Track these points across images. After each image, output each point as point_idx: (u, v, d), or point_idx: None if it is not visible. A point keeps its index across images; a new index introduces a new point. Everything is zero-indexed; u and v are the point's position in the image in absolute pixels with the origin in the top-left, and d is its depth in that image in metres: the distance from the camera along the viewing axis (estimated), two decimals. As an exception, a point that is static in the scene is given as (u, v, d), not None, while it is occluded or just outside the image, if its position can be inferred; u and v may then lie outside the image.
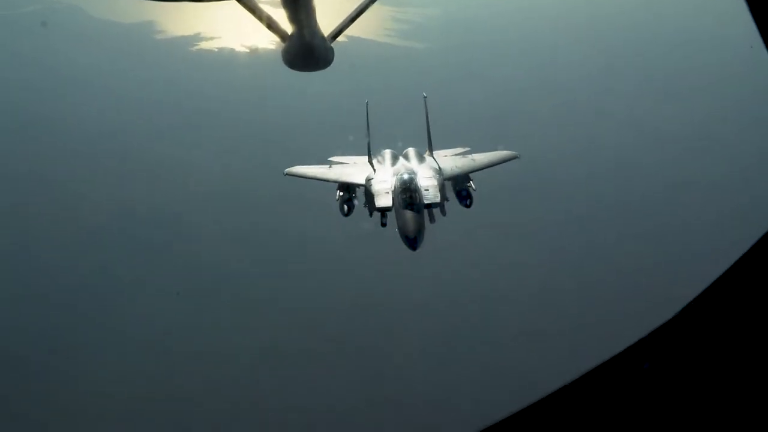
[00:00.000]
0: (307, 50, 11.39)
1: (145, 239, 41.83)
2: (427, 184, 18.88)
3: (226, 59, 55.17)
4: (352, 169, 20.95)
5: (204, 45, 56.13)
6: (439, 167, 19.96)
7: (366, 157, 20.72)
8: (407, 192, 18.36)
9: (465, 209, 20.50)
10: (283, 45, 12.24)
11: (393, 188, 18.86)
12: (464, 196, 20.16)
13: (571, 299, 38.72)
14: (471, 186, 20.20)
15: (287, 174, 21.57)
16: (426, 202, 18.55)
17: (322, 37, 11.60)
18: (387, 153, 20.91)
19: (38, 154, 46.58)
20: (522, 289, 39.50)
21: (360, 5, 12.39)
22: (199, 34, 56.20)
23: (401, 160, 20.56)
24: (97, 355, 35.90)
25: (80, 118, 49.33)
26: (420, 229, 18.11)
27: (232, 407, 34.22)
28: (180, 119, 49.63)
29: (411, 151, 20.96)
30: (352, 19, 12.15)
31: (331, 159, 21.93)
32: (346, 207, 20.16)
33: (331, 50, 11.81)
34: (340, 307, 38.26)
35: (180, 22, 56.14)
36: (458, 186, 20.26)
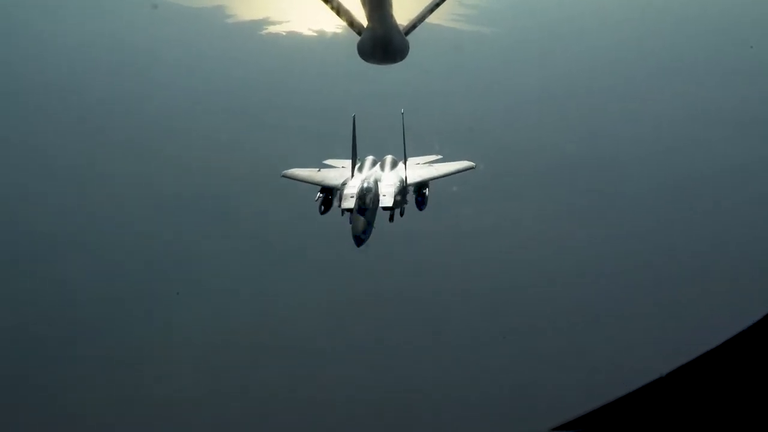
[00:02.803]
0: (383, 43, 11.48)
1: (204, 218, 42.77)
2: (386, 191, 22.17)
3: (294, 43, 55.73)
4: (335, 173, 23.87)
5: (272, 29, 56.74)
6: (405, 177, 22.93)
7: (356, 160, 23.50)
8: (361, 198, 21.44)
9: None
10: (358, 37, 12.38)
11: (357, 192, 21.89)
12: (419, 201, 23.35)
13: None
14: (425, 192, 23.31)
15: (284, 176, 24.47)
16: (381, 205, 21.68)
17: (398, 29, 11.68)
18: (368, 160, 24.01)
19: (110, 134, 47.82)
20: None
21: (435, -1, 12.38)
22: (268, 18, 56.83)
23: (377, 167, 23.68)
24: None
25: (151, 100, 50.44)
26: (365, 230, 21.13)
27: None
28: (248, 103, 50.38)
29: (387, 159, 24.16)
30: (428, 11, 12.19)
31: (324, 162, 24.78)
32: (323, 206, 23.06)
33: (407, 43, 11.90)
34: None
35: (250, 7, 56.86)
36: (416, 191, 23.25)
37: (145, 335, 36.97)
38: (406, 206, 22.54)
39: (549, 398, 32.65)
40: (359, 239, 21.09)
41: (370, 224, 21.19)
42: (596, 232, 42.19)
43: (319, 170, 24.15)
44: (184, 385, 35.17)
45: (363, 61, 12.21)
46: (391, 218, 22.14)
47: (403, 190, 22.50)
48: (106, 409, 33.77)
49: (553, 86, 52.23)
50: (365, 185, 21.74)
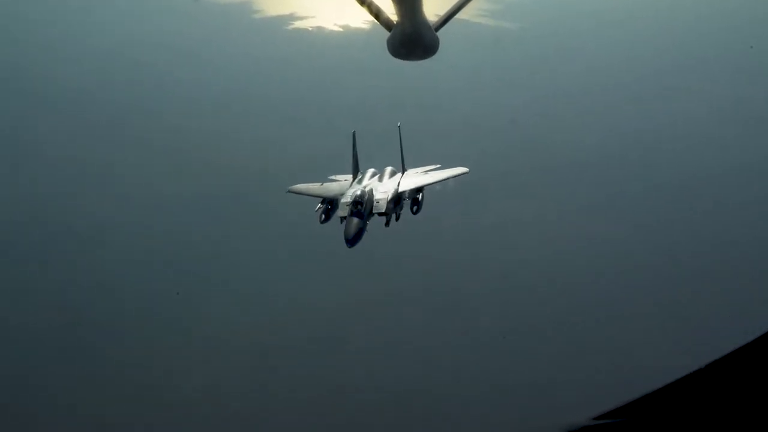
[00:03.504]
0: (413, 39, 11.53)
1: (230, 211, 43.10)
2: (380, 197, 24.34)
3: (320, 38, 55.80)
4: (338, 185, 25.90)
5: (299, 24, 56.82)
6: (399, 184, 25.24)
7: (357, 174, 26.13)
8: (354, 204, 23.57)
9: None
10: (388, 34, 12.40)
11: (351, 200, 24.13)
12: (414, 209, 25.43)
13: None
14: (419, 198, 25.35)
15: (290, 192, 26.29)
16: (375, 211, 24.02)
17: (429, 25, 11.70)
18: (369, 172, 26.26)
19: (131, 131, 48.35)
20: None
21: (466, -5, 12.38)
22: (294, 13, 56.90)
23: (375, 177, 25.89)
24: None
25: (175, 96, 50.85)
26: (355, 233, 23.09)
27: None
28: (274, 99, 50.65)
29: (387, 170, 26.31)
30: (459, 7, 12.22)
31: (330, 177, 26.86)
32: (323, 215, 25.05)
33: (437, 39, 11.93)
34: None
35: (276, 2, 56.98)
36: (411, 197, 25.29)
37: (155, 334, 37.68)
38: (401, 211, 25.00)
39: (570, 394, 32.87)
40: (349, 241, 23.12)
41: (361, 228, 23.23)
42: (619, 228, 42.22)
43: (322, 184, 26.30)
44: (200, 384, 36.04)
45: (392, 57, 12.23)
46: (387, 223, 24.53)
47: (396, 197, 24.75)
48: (119, 408, 34.65)
49: (573, 84, 52.08)
50: (358, 193, 23.88)
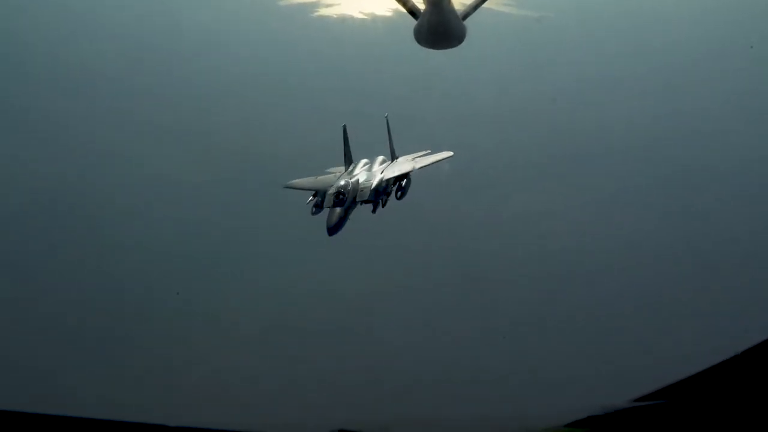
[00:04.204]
0: (440, 28, 11.60)
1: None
2: (364, 186, 25.50)
3: (344, 26, 55.70)
4: (331, 178, 27.16)
5: (323, 11, 56.79)
6: (383, 170, 26.67)
7: (349, 166, 27.50)
8: (337, 195, 25.00)
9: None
10: (415, 22, 12.41)
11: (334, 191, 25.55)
12: (398, 195, 26.95)
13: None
14: (403, 183, 26.89)
15: (287, 187, 28.11)
16: (358, 199, 25.51)
17: (456, 14, 11.72)
18: (361, 162, 27.69)
19: (157, 117, 48.48)
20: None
21: (494, -17, 12.34)
22: (320, 1, 56.92)
23: (366, 167, 27.37)
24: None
25: (200, 84, 50.79)
26: (336, 222, 24.49)
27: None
28: (296, 86, 50.75)
29: (378, 159, 28.06)
30: (486, -4, 12.16)
31: (326, 170, 28.28)
32: (314, 207, 26.51)
33: (465, 28, 11.94)
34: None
35: (303, -11, 56.99)
36: (395, 183, 26.82)
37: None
38: (388, 198, 26.77)
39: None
40: (329, 230, 24.55)
41: (342, 217, 24.79)
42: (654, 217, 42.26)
43: (317, 177, 27.90)
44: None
45: (417, 45, 12.25)
46: (374, 210, 26.24)
47: (381, 184, 26.38)
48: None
49: (603, 71, 51.66)
50: (341, 183, 25.45)
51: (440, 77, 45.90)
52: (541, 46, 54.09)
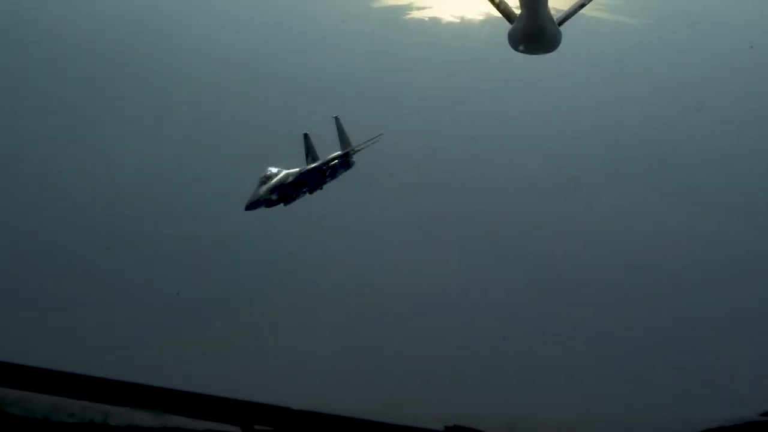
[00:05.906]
0: (536, 32, 11.52)
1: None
2: (292, 173, 28.85)
3: (436, 29, 55.98)
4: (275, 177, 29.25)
5: (416, 14, 57.12)
6: (317, 158, 29.75)
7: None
8: (266, 180, 28.47)
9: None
10: (510, 26, 12.48)
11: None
12: (338, 169, 29.82)
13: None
14: (335, 164, 29.67)
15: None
16: (286, 182, 28.29)
17: (552, 19, 11.68)
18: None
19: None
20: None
21: (593, -11, 12.28)
22: (411, 3, 57.25)
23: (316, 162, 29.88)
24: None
25: (290, 85, 51.67)
26: (254, 202, 27.91)
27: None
28: (387, 89, 51.17)
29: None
30: (584, 2, 12.15)
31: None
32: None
33: (560, 34, 11.89)
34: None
35: (395, -8, 57.46)
36: (330, 166, 29.57)
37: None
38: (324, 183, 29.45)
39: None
40: (247, 207, 27.87)
41: (261, 201, 27.91)
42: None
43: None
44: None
45: (511, 49, 12.26)
46: (311, 191, 29.05)
47: (310, 170, 29.23)
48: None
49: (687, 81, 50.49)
50: (268, 173, 28.69)
51: (530, 81, 45.65)
52: (636, 52, 53.25)
